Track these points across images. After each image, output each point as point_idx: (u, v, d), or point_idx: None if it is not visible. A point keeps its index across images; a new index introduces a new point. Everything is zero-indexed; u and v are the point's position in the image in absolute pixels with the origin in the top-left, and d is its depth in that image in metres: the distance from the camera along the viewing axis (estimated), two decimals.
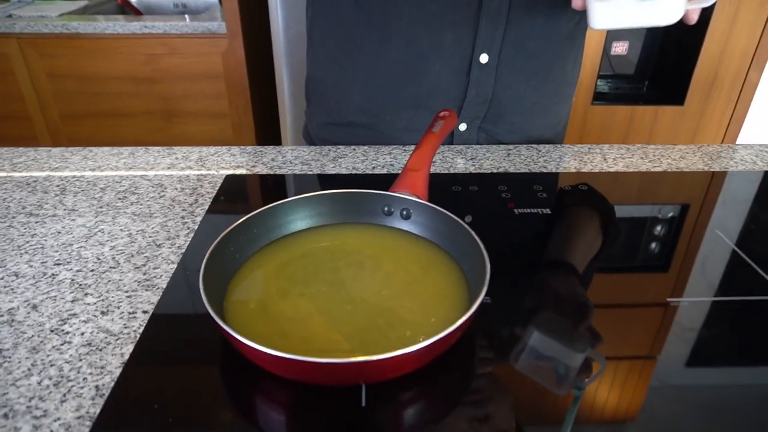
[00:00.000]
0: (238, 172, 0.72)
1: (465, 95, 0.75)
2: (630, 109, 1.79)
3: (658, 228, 0.61)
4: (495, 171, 0.72)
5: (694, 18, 0.51)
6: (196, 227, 0.59)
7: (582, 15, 0.74)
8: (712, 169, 0.73)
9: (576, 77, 0.84)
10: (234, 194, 0.66)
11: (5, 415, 0.37)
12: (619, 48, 1.78)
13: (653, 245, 0.58)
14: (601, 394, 0.39)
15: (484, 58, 0.72)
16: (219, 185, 0.68)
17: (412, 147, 0.79)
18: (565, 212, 0.63)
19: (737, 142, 1.86)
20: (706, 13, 1.61)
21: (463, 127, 0.78)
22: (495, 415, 0.37)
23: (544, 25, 0.72)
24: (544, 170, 0.73)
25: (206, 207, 0.63)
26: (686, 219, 0.63)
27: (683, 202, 0.66)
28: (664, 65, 1.80)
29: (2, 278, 0.51)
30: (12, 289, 0.49)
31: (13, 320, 0.46)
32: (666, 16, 0.49)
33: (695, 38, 1.67)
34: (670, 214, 0.63)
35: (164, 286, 0.50)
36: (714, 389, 0.40)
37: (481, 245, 0.45)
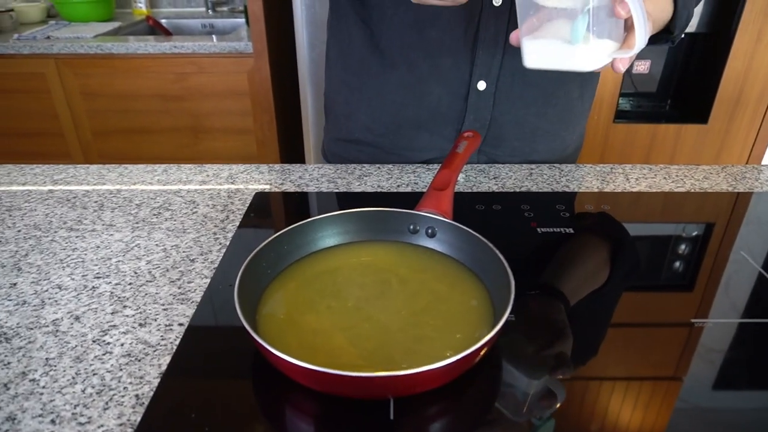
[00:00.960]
0: (267, 189, 0.74)
1: (464, 120, 0.77)
2: (652, 128, 1.78)
3: (682, 247, 0.61)
4: (518, 190, 0.73)
5: (621, 67, 0.51)
6: (227, 243, 0.61)
7: None
8: (736, 190, 0.73)
9: (587, 105, 0.84)
10: (263, 211, 0.68)
11: (52, 421, 0.39)
12: (642, 66, 1.78)
13: (677, 264, 0.58)
14: (624, 415, 0.39)
15: (481, 85, 0.74)
16: (249, 202, 0.70)
17: (436, 166, 0.81)
18: (576, 237, 0.64)
19: (763, 163, 1.84)
20: (730, 30, 1.61)
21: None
22: None
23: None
24: (567, 189, 0.73)
25: (237, 223, 0.65)
26: (711, 240, 0.63)
27: (707, 223, 0.66)
28: (687, 83, 1.80)
29: (47, 290, 0.53)
30: (56, 301, 0.52)
31: (57, 330, 0.48)
32: (590, 63, 0.49)
33: (719, 56, 1.66)
34: (694, 233, 0.64)
35: (198, 299, 0.52)
36: (740, 412, 0.40)
37: (506, 264, 0.46)
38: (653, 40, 0.70)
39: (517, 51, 0.69)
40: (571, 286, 0.54)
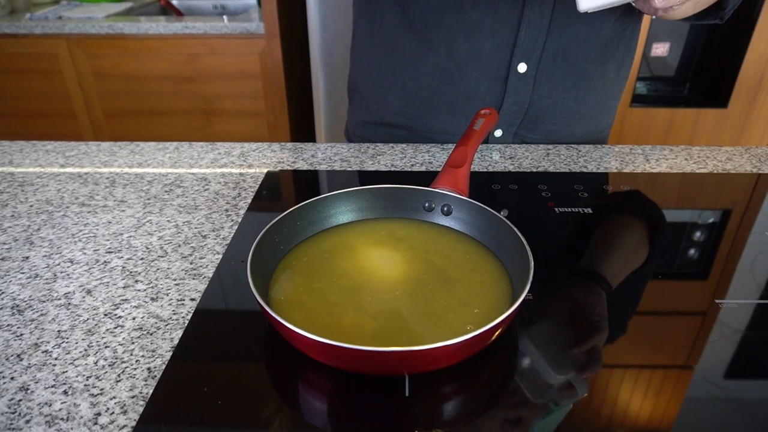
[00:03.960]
0: (279, 167, 0.73)
1: (502, 103, 0.75)
2: (670, 112, 1.75)
3: (703, 230, 0.60)
4: (534, 170, 0.72)
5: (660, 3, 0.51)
6: (239, 219, 0.60)
7: (627, 24, 0.73)
8: (761, 171, 0.71)
9: (621, 86, 0.82)
10: (275, 189, 0.68)
11: (65, 392, 0.39)
12: (660, 50, 1.74)
13: (693, 251, 0.57)
14: (634, 403, 0.38)
15: (522, 68, 0.72)
16: (261, 180, 0.69)
17: (451, 145, 0.79)
18: (609, 217, 0.62)
19: None
20: (753, 12, 1.57)
21: (498, 133, 0.79)
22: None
23: (587, 36, 0.71)
24: (585, 170, 0.72)
25: (249, 200, 0.64)
26: (732, 221, 0.61)
27: (730, 204, 0.64)
28: (706, 67, 1.75)
29: (59, 264, 0.53)
30: (68, 275, 0.51)
31: (69, 303, 0.48)
32: None
33: (741, 39, 1.62)
34: (711, 219, 0.62)
35: (210, 275, 0.51)
36: (753, 402, 0.39)
37: (524, 241, 0.45)
38: (703, 15, 0.68)
39: (561, 32, 0.68)
40: (612, 269, 0.52)
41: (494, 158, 0.75)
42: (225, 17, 1.83)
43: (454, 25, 0.70)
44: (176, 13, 2.14)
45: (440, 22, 0.71)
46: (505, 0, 0.68)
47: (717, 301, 0.48)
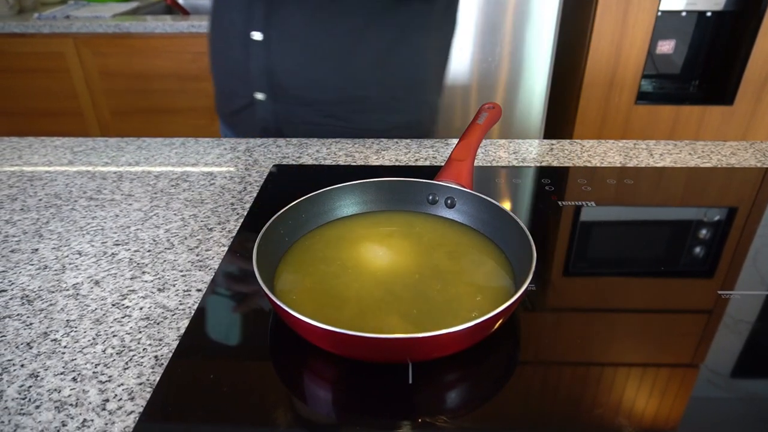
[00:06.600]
0: (284, 162, 0.73)
1: (249, 67, 0.83)
2: (675, 109, 1.74)
3: (703, 231, 0.60)
4: (538, 165, 0.72)
5: None
6: (245, 213, 0.61)
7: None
8: (765, 165, 0.71)
9: (388, 58, 0.83)
10: (281, 183, 0.68)
11: (74, 379, 0.39)
12: (665, 47, 1.74)
13: (698, 249, 0.57)
14: (639, 403, 0.38)
15: (257, 36, 0.80)
16: (266, 174, 0.70)
17: (454, 141, 0.79)
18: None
19: None
20: (760, 8, 1.56)
21: (259, 96, 0.85)
22: None
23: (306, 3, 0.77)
24: (588, 164, 0.72)
25: (254, 194, 0.65)
26: (739, 215, 0.62)
27: (735, 199, 0.64)
28: (711, 64, 1.75)
29: (67, 256, 0.54)
30: (76, 266, 0.52)
31: (78, 294, 0.48)
32: None
33: (748, 34, 1.61)
34: (716, 216, 0.62)
35: (216, 266, 0.52)
36: (759, 400, 0.38)
37: (527, 232, 0.45)
38: None
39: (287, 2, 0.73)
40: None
41: (498, 153, 0.75)
42: None
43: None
44: (182, 12, 2.15)
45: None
46: None
47: (720, 292, 0.48)
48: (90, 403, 0.37)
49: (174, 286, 0.49)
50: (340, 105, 0.84)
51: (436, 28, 0.85)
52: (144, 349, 0.42)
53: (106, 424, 0.36)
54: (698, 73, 1.78)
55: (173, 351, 0.42)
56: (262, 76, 0.82)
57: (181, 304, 0.47)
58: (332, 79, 0.82)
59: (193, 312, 0.46)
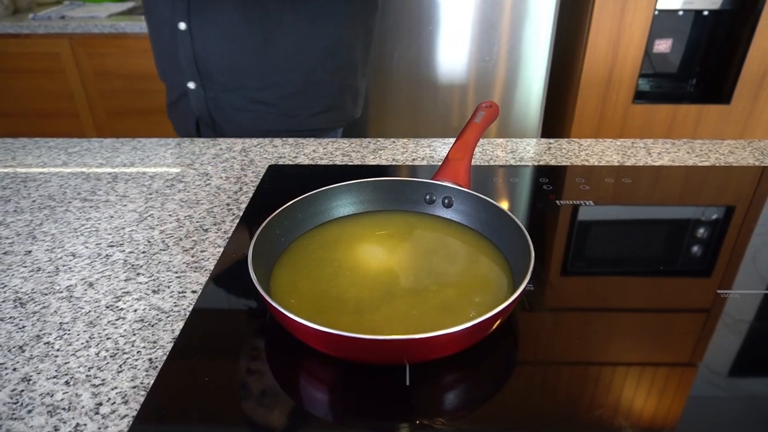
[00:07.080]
0: (280, 162, 0.73)
1: (179, 57, 0.87)
2: (672, 108, 1.74)
3: (702, 230, 0.59)
4: (536, 164, 0.71)
5: None
6: (240, 213, 0.60)
7: None
8: (763, 164, 0.71)
9: (302, 45, 0.86)
10: (277, 183, 0.68)
11: (67, 383, 0.39)
12: (662, 46, 1.74)
13: (696, 248, 0.56)
14: (638, 402, 0.37)
15: (182, 26, 0.83)
16: (262, 175, 0.69)
17: (452, 140, 0.79)
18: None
19: None
20: (756, 7, 1.56)
21: (191, 84, 0.89)
22: None
23: None
24: (587, 163, 0.72)
25: (250, 195, 0.64)
26: (737, 213, 0.61)
27: (733, 197, 0.64)
28: (708, 63, 1.75)
29: (61, 258, 0.53)
30: (70, 268, 0.52)
31: (71, 296, 0.48)
32: None
33: (745, 33, 1.61)
34: (714, 214, 0.61)
35: (211, 268, 0.51)
36: (758, 399, 0.38)
37: (525, 231, 0.44)
38: None
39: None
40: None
41: (495, 152, 0.75)
42: None
43: None
44: None
45: None
46: None
47: (719, 291, 0.47)
48: (83, 407, 0.37)
49: (169, 287, 0.49)
50: (265, 91, 0.88)
51: (354, 13, 0.88)
52: (138, 352, 0.42)
53: (100, 428, 0.35)
54: (695, 71, 1.78)
55: (168, 353, 0.41)
56: (191, 65, 0.86)
57: (175, 305, 0.47)
58: (255, 65, 0.86)
59: (188, 314, 0.45)
